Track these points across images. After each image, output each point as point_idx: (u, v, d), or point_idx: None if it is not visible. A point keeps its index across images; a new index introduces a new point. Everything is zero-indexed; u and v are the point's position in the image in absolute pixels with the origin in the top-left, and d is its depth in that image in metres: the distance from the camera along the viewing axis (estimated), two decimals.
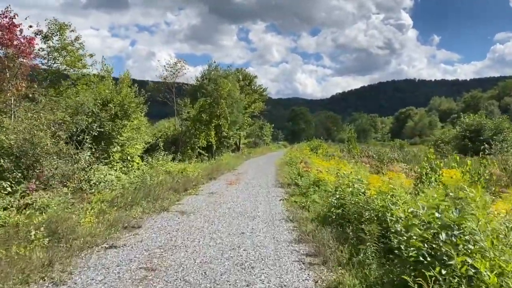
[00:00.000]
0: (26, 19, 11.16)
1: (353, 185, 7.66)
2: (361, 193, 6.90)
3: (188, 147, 22.16)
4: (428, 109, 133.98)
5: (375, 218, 6.00)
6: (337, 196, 7.59)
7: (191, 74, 74.49)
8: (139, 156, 16.54)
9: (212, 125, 23.25)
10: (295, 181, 13.87)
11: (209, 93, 23.44)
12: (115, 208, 9.09)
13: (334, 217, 7.26)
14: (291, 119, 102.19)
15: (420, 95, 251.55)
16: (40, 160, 9.06)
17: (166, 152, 17.95)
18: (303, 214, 8.75)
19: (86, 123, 11.74)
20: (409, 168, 20.45)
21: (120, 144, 14.47)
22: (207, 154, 25.94)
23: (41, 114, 9.49)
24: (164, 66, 22.06)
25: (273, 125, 64.86)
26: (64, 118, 10.64)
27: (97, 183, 10.40)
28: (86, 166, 10.96)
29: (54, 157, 9.51)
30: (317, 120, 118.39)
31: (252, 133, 55.16)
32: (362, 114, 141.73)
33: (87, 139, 11.19)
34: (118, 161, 14.33)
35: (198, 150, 25.14)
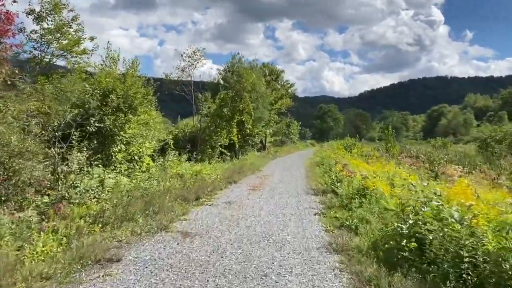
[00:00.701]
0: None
1: (431, 202, 5.09)
2: (455, 221, 4.30)
3: (208, 146, 19.92)
4: (463, 107, 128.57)
5: (490, 269, 3.46)
6: (410, 222, 5.00)
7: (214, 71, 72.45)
8: (150, 156, 14.42)
9: (234, 121, 20.87)
10: (332, 188, 11.33)
11: (231, 85, 21.08)
12: (100, 225, 6.89)
13: (406, 254, 4.71)
14: (319, 117, 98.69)
15: (452, 93, 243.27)
16: (5, 162, 6.96)
17: (179, 152, 15.74)
18: (350, 239, 6.24)
19: (72, 114, 9.58)
20: (466, 171, 17.55)
21: (124, 142, 12.33)
22: (229, 154, 23.66)
23: (8, 104, 7.36)
24: (182, 55, 19.94)
25: (300, 122, 62.01)
26: (41, 108, 8.50)
27: (84, 191, 8.24)
28: (75, 169, 8.86)
29: (31, 158, 7.41)
30: (345, 118, 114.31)
31: (279, 131, 52.62)
32: (393, 111, 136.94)
33: (75, 135, 9.04)
34: (122, 162, 12.19)
35: (220, 149, 22.90)
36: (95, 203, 7.83)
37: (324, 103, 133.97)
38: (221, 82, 25.07)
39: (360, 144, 32.24)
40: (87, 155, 9.31)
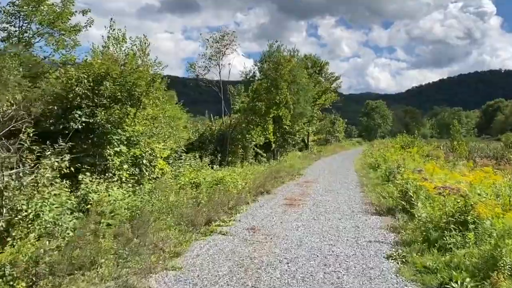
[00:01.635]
0: None
1: None
2: None
3: (240, 146, 16.95)
4: None
5: None
6: None
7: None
8: (166, 159, 11.65)
9: (270, 116, 17.63)
10: (402, 205, 7.90)
11: (267, 74, 17.85)
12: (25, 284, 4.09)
13: None
14: (366, 114, 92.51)
15: (507, 87, 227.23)
16: None
17: (202, 154, 12.88)
18: None
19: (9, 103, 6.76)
20: None
21: (124, 142, 9.58)
22: (265, 154, 20.60)
23: None
24: (207, 39, 16.99)
25: (346, 119, 57.58)
26: None
27: (31, 218, 5.47)
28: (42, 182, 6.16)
29: None
30: (393, 115, 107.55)
31: (323, 128, 48.84)
32: (445, 107, 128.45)
33: (27, 133, 6.27)
34: (121, 167, 9.43)
35: (254, 149, 19.85)
36: (35, 240, 5.01)
37: (370, 100, 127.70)
38: (257, 74, 21.90)
39: (420, 142, 27.98)
40: (66, 160, 6.50)
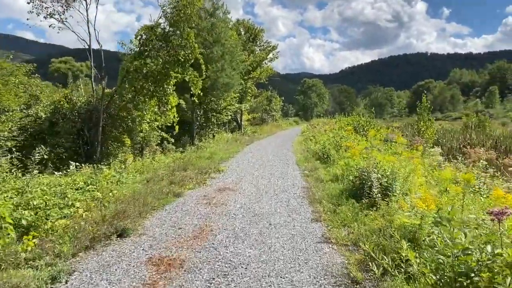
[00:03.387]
0: None
1: None
2: None
3: (120, 131, 10.84)
4: (448, 82, 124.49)
5: None
6: None
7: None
8: None
9: (171, 81, 11.37)
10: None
11: (167, 17, 11.37)
12: None
13: None
14: (303, 92, 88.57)
15: (432, 69, 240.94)
16: None
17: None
18: None
19: None
20: None
21: None
22: (172, 140, 14.64)
23: None
24: None
25: (283, 97, 52.61)
26: None
27: None
28: None
29: None
30: (329, 94, 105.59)
31: (258, 106, 43.53)
32: (378, 87, 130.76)
33: None
34: None
35: (157, 133, 13.80)
36: None
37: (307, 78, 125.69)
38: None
39: (378, 123, 23.45)
40: None
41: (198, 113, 19.61)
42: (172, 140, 14.62)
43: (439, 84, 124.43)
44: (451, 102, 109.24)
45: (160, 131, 13.84)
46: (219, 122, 22.05)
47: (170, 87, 11.19)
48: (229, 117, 24.54)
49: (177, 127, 13.19)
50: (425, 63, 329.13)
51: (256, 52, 30.20)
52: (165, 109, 11.72)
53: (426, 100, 16.80)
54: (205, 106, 19.68)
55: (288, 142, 21.50)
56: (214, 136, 20.40)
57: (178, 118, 13.52)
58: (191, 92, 14.37)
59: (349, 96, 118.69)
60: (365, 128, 16.96)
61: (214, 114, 20.42)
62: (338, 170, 9.07)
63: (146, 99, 10.95)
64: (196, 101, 16.03)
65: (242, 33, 31.01)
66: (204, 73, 12.85)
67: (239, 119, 29.34)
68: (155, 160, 11.31)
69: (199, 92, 12.22)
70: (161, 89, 10.97)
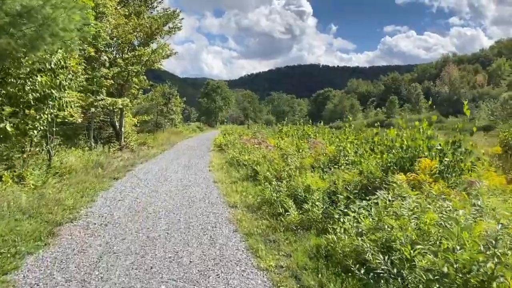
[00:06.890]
0: None
1: None
2: None
3: None
4: (346, 91, 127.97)
5: None
6: None
7: None
8: None
9: None
10: None
11: None
12: None
13: None
14: (206, 95, 78.07)
15: (324, 80, 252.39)
16: None
17: None
18: None
19: None
20: None
21: None
22: None
23: None
24: None
25: (184, 98, 41.39)
26: None
27: None
28: None
29: None
30: (235, 97, 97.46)
31: (151, 106, 32.38)
32: (281, 94, 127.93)
33: None
34: None
35: None
36: None
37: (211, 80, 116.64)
38: None
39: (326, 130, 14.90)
40: None
41: None
42: None
43: (337, 93, 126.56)
44: (351, 111, 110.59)
45: None
46: (52, 128, 10.95)
47: None
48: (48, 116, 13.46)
49: None
50: (318, 74, 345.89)
51: (152, 18, 19.13)
52: None
53: None
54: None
55: (203, 169, 11.44)
56: (25, 160, 9.00)
57: None
58: None
59: (252, 102, 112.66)
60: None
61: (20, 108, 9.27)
62: None
63: None
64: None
65: None
66: None
67: (117, 124, 18.22)
68: None
69: None
70: None
